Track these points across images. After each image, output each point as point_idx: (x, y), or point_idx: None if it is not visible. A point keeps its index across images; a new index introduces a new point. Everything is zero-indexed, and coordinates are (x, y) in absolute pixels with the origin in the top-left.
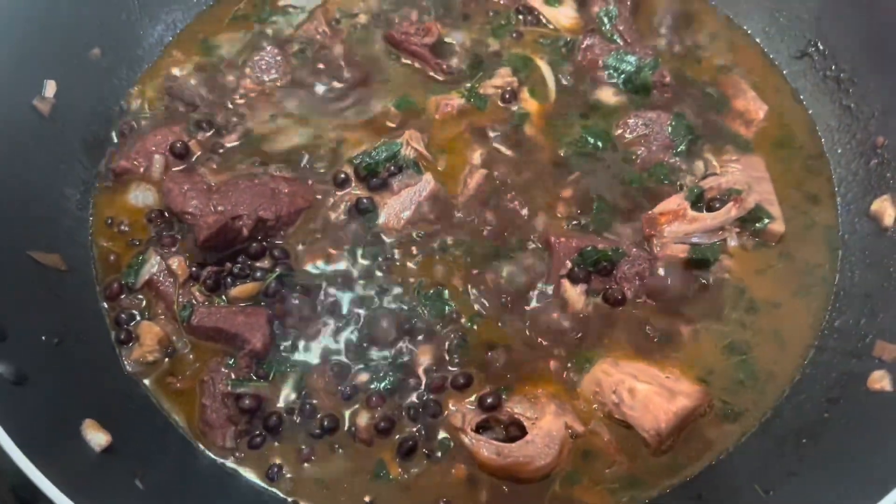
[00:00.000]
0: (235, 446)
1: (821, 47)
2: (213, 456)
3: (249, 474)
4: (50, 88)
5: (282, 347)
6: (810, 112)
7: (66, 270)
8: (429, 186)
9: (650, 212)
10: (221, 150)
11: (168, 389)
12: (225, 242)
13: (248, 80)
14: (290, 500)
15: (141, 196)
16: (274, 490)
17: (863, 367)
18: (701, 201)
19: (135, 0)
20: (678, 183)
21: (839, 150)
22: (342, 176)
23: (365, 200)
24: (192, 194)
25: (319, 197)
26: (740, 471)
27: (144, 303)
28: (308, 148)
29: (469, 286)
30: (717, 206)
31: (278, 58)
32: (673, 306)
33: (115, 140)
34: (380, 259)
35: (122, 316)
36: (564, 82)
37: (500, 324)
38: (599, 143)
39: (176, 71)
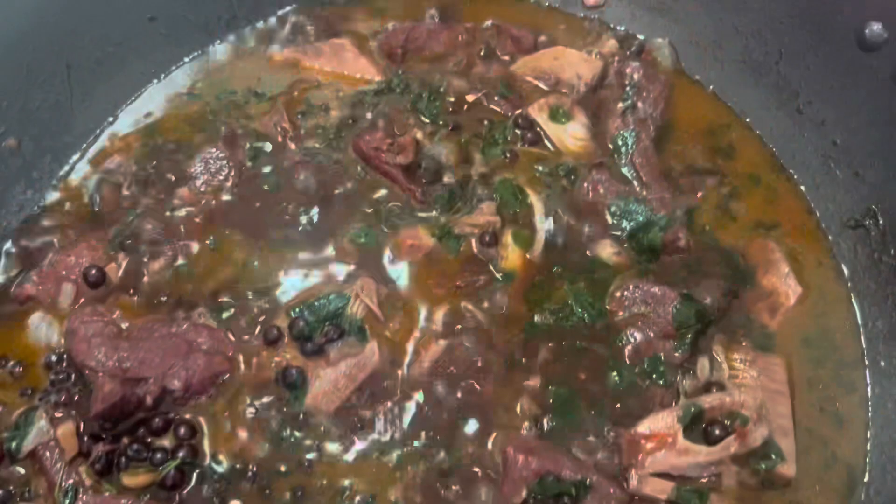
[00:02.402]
0: None
1: (880, 222)
2: None
3: None
4: None
5: None
6: (855, 302)
7: None
8: (371, 361)
9: (633, 430)
10: (142, 280)
11: None
12: (124, 413)
13: (185, 190)
14: None
15: (44, 331)
16: None
17: None
18: (698, 422)
19: (67, 77)
20: (675, 386)
21: (882, 364)
22: (274, 333)
23: (293, 371)
24: (96, 342)
25: (241, 359)
26: None
27: (25, 478)
28: (242, 288)
29: (406, 499)
30: (717, 433)
31: (225, 161)
32: None
33: (23, 258)
34: (303, 451)
35: None
36: (558, 227)
37: None
38: (587, 317)
39: (108, 165)
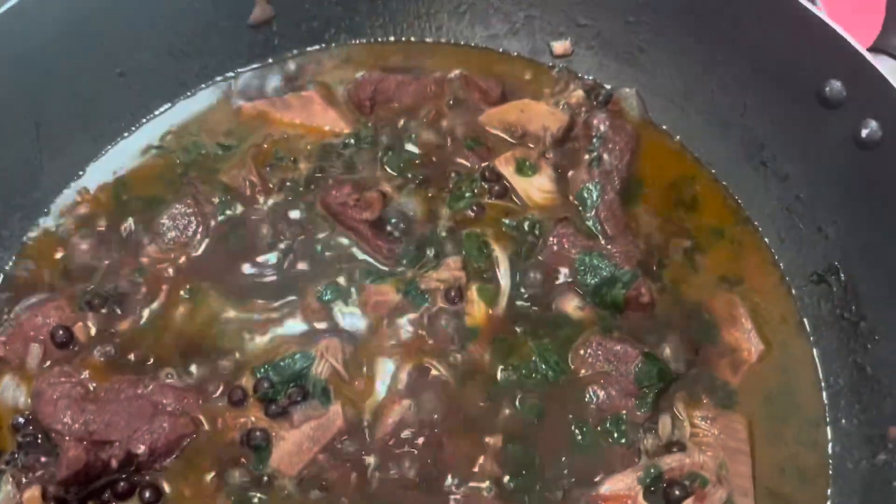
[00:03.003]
0: None
1: (842, 278)
2: None
3: None
4: None
5: None
6: (817, 358)
7: None
8: (335, 424)
9: (594, 492)
10: (109, 341)
11: None
12: (90, 477)
13: (153, 247)
14: None
15: (11, 393)
16: None
17: None
18: (658, 482)
19: (36, 135)
20: (636, 445)
21: (843, 422)
22: (239, 394)
23: (258, 434)
24: (63, 403)
25: (206, 421)
26: None
27: None
28: (208, 347)
29: None
30: (677, 493)
31: (193, 217)
32: None
33: None
34: None
35: None
36: (523, 282)
37: None
38: (550, 374)
39: (76, 223)
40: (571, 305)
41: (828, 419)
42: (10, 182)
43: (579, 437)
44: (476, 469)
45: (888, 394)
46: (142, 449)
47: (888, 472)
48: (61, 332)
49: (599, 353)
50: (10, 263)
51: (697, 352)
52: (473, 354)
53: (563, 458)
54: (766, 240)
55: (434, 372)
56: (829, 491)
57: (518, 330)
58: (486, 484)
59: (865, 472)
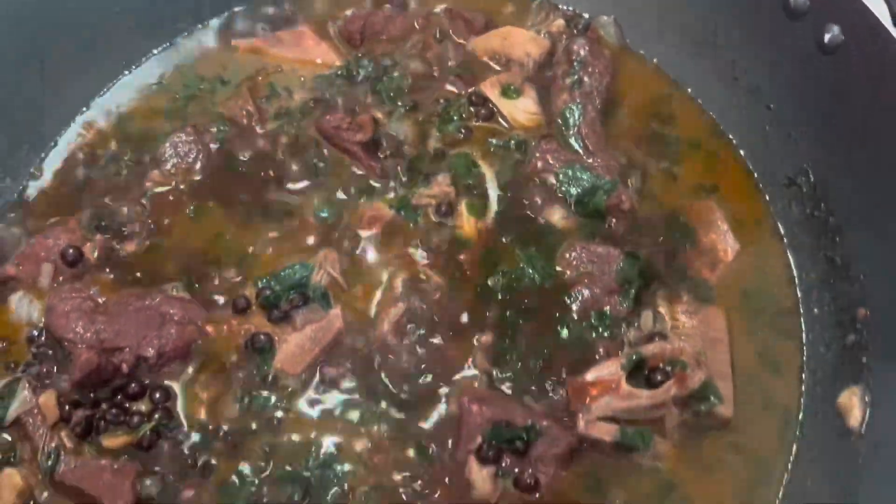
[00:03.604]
0: None
1: (812, 179)
2: None
3: None
4: None
5: None
6: (790, 255)
7: None
8: (335, 325)
9: (581, 378)
10: (117, 258)
11: None
12: (102, 380)
13: (156, 173)
14: None
15: (25, 309)
16: None
17: None
18: (641, 369)
19: (41, 71)
20: (620, 337)
21: (815, 311)
22: (242, 302)
23: (262, 337)
24: (74, 316)
25: (210, 329)
26: None
27: (10, 443)
28: (211, 261)
29: (368, 454)
30: (659, 377)
31: (193, 145)
32: (592, 495)
33: (3, 240)
34: (271, 410)
35: None
36: (509, 195)
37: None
38: (537, 278)
39: (84, 152)
40: (556, 216)
41: (801, 310)
42: (17, 116)
43: (565, 333)
44: (468, 364)
45: (856, 280)
46: (151, 353)
47: (858, 350)
48: (71, 251)
49: (583, 255)
50: (20, 191)
51: (676, 253)
52: (464, 263)
53: (550, 352)
54: (740, 151)
55: (427, 280)
56: (803, 375)
57: (506, 240)
58: (478, 377)
59: (837, 354)
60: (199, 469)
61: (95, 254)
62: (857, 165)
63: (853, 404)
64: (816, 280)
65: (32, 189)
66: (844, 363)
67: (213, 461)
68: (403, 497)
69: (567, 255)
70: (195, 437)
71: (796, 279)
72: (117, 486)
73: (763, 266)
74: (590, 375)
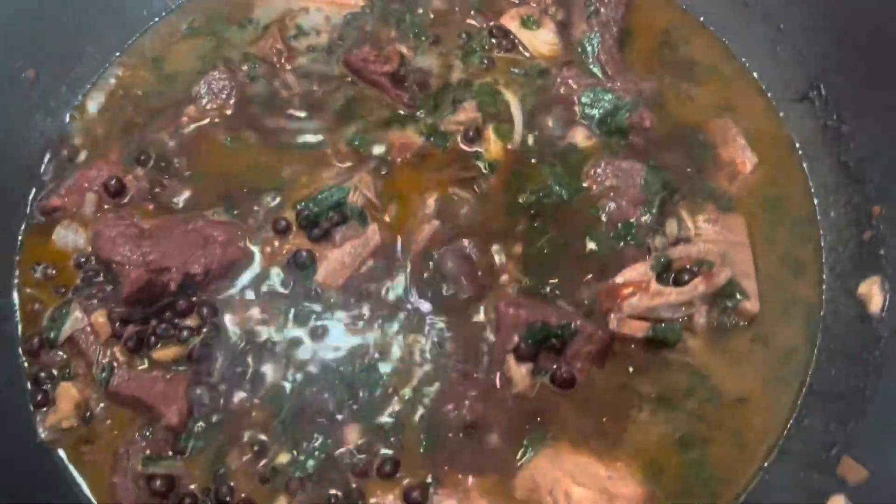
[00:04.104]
0: None
1: (823, 92)
2: None
3: None
4: None
5: (201, 420)
6: (805, 166)
7: None
8: (373, 241)
9: (611, 281)
10: (158, 188)
11: (81, 460)
12: (151, 297)
13: (192, 108)
14: None
15: (71, 237)
16: None
17: (824, 487)
18: (668, 271)
19: (72, 15)
20: (646, 245)
21: (832, 214)
22: (283, 223)
23: (304, 254)
24: (121, 241)
25: (255, 248)
26: None
27: (65, 360)
28: (249, 189)
29: (409, 358)
30: (686, 278)
31: (227, 82)
32: (625, 390)
33: (47, 174)
34: (314, 321)
35: (42, 374)
36: (535, 120)
37: (437, 402)
38: (565, 194)
39: (121, 92)
40: (580, 136)
41: (818, 214)
42: (56, 58)
43: (593, 243)
44: (501, 274)
45: (870, 180)
46: (198, 270)
47: (875, 244)
48: (114, 182)
49: (608, 170)
50: (61, 129)
51: (696, 167)
52: (492, 183)
53: (580, 261)
54: (753, 73)
55: (458, 199)
56: (823, 274)
57: (533, 161)
58: (512, 285)
59: (855, 250)
60: (249, 378)
61: (136, 185)
62: (866, 74)
63: (873, 292)
64: (831, 185)
65: (73, 128)
66: (863, 257)
67: (261, 370)
68: (444, 399)
69: (592, 171)
70: (243, 348)
71: (812, 187)
72: (171, 393)
73: (780, 176)
74: (620, 278)
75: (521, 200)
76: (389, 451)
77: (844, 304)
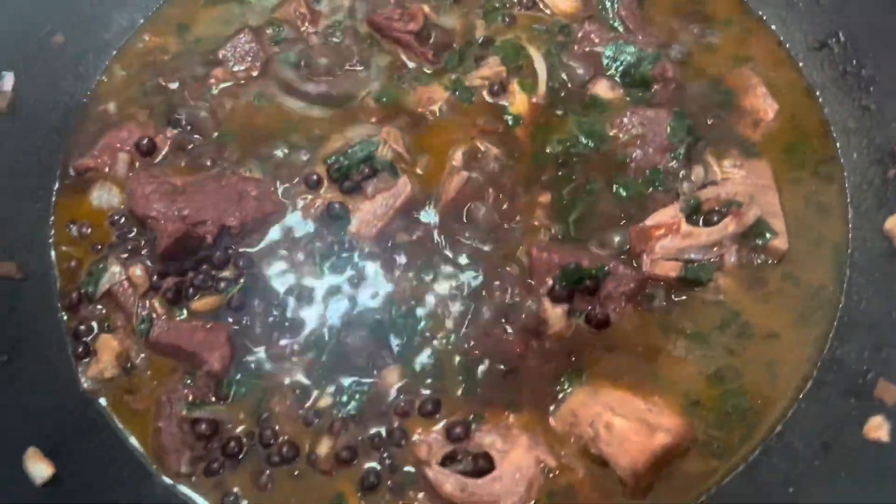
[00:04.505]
0: (191, 472)
1: (842, 38)
2: (167, 480)
3: (204, 501)
4: (8, 81)
5: (242, 366)
6: (826, 111)
7: (21, 279)
8: (404, 191)
9: (641, 224)
10: (189, 147)
11: (124, 409)
12: (187, 250)
13: (219, 70)
14: None
15: (105, 196)
16: None
17: (861, 410)
18: (697, 213)
19: None
20: (674, 190)
21: (855, 156)
22: (314, 178)
23: (336, 206)
24: (155, 197)
25: (288, 202)
26: None
27: (104, 313)
28: (280, 146)
29: (444, 303)
30: (715, 219)
31: (253, 44)
32: (660, 328)
33: (79, 136)
34: (350, 271)
35: (81, 328)
36: (558, 74)
37: (474, 345)
38: (591, 143)
39: (148, 57)
40: (604, 88)
41: (841, 157)
42: (84, 24)
43: (622, 190)
44: (532, 221)
45: (892, 120)
46: (233, 222)
47: None
48: (145, 141)
49: (634, 119)
50: (89, 93)
51: (720, 115)
52: (519, 135)
53: (610, 207)
54: (771, 26)
55: (485, 151)
56: (849, 213)
57: (559, 112)
58: (543, 231)
59: (879, 188)
60: (288, 325)
61: (167, 145)
62: (883, 19)
63: None
64: (853, 129)
65: (102, 91)
66: (887, 194)
67: (300, 317)
68: (481, 342)
69: (618, 121)
70: (281, 297)
71: (833, 131)
72: (212, 340)
73: (802, 122)
74: (650, 220)
75: (548, 150)
76: (429, 392)
77: (871, 241)
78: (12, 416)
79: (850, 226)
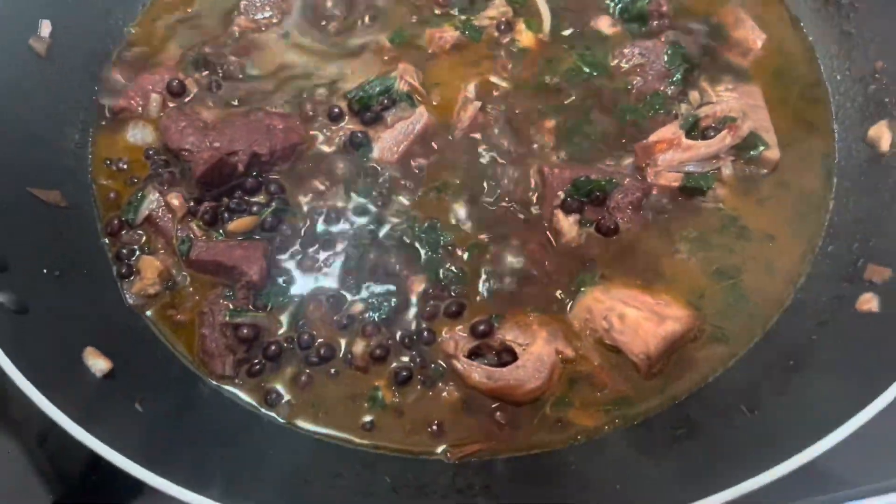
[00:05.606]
0: (235, 374)
1: None
2: (213, 382)
3: (248, 400)
4: (45, 28)
5: (279, 279)
6: (810, 39)
7: (66, 207)
8: (423, 119)
9: (645, 140)
10: (216, 89)
11: (169, 321)
12: (221, 178)
13: (242, 18)
14: (284, 423)
15: (139, 134)
16: (272, 414)
17: (853, 291)
18: (696, 130)
19: None
20: (673, 112)
21: (838, 77)
22: (336, 111)
23: (359, 134)
24: (189, 131)
25: (314, 133)
26: (728, 393)
27: (144, 238)
28: (302, 84)
29: (465, 219)
30: (712, 134)
31: None
32: (664, 234)
33: (113, 79)
34: (374, 193)
35: (123, 251)
36: (561, 12)
37: (492, 254)
38: (595, 73)
39: (175, 9)
40: (604, 24)
41: (825, 79)
42: None
43: (625, 114)
44: (543, 143)
45: (871, 41)
46: (263, 150)
47: (880, 94)
48: (176, 82)
49: (635, 50)
50: (121, 40)
51: (712, 46)
52: (526, 69)
53: (614, 129)
54: None
55: (496, 83)
56: (834, 127)
57: (564, 47)
58: (553, 152)
59: (862, 103)
60: (320, 243)
61: (196, 87)
62: None
63: (882, 133)
64: (836, 53)
65: (133, 38)
66: (869, 107)
67: (331, 235)
68: (500, 252)
69: (619, 52)
70: (312, 217)
71: (818, 56)
72: (250, 255)
73: (788, 49)
74: (653, 137)
75: (555, 80)
76: (454, 298)
77: (856, 149)
78: (71, 322)
79: (836, 138)
